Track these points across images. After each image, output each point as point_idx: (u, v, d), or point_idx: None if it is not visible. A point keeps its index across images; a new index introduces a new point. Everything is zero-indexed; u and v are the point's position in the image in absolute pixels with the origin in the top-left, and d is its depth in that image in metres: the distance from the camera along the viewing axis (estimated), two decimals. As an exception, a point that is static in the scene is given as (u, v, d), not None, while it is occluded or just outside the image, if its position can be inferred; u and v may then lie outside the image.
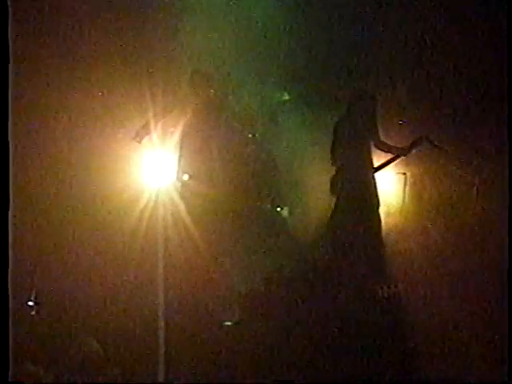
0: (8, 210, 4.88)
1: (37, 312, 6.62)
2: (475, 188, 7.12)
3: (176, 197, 7.11)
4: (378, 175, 7.24)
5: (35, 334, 6.26)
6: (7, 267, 4.86)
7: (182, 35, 7.56)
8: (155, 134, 7.17)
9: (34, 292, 6.62)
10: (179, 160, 7.34)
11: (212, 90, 7.41)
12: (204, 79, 7.36)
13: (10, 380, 4.89)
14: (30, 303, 6.58)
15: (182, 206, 7.07)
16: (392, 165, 7.30)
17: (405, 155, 7.24)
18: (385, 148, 7.22)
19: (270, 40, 7.72)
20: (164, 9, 7.55)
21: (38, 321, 6.53)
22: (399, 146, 7.25)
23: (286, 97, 8.13)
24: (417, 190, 7.47)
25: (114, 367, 6.04)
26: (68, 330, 6.34)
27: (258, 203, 7.96)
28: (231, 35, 7.61)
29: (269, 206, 8.07)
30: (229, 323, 6.81)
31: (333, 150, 7.27)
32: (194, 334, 6.45)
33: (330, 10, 7.57)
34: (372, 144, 7.20)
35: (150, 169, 7.20)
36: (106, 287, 6.78)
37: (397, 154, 7.23)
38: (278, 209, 8.01)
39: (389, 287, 6.87)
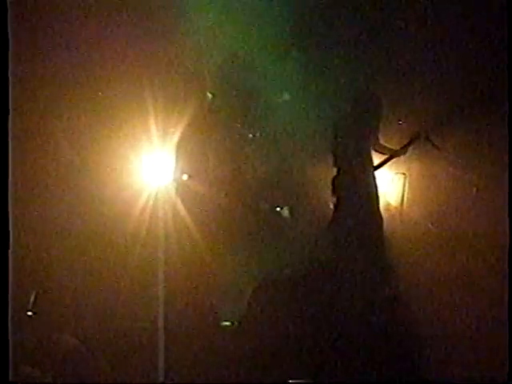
0: (8, 210, 4.88)
1: (35, 314, 6.60)
2: (475, 188, 7.12)
3: (175, 197, 7.11)
4: (377, 175, 7.25)
5: (34, 335, 6.26)
6: (7, 269, 4.86)
7: (182, 35, 7.56)
8: (154, 135, 7.17)
9: (32, 298, 6.56)
10: (177, 160, 7.34)
11: (211, 93, 7.44)
12: (203, 82, 7.39)
13: (10, 380, 4.90)
14: (29, 313, 6.52)
15: (180, 206, 7.06)
16: (392, 165, 7.30)
17: (399, 156, 7.25)
18: (383, 150, 7.22)
19: (271, 39, 7.72)
20: (165, 8, 7.54)
21: (37, 323, 6.52)
22: (398, 146, 7.26)
23: (287, 97, 8.12)
24: (417, 190, 7.48)
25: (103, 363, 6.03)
26: (67, 331, 6.34)
27: (258, 203, 7.95)
28: (231, 35, 7.61)
29: (268, 206, 8.06)
30: (229, 323, 6.81)
31: (334, 150, 7.28)
32: (194, 333, 6.45)
33: (330, 9, 7.57)
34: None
35: (149, 169, 7.18)
36: (106, 287, 6.78)
37: (393, 155, 7.23)
38: (278, 209, 8.01)
39: (390, 287, 6.89)
